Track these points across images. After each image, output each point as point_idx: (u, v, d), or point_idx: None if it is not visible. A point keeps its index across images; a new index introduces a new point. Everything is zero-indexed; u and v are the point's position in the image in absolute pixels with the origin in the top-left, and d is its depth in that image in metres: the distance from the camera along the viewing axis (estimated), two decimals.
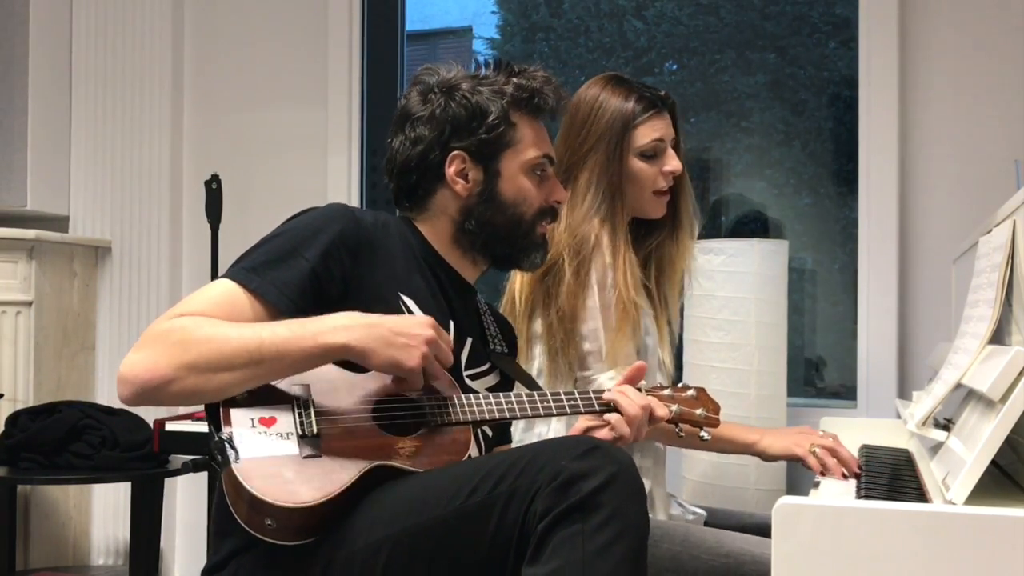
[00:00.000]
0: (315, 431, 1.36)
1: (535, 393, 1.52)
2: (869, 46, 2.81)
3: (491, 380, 1.66)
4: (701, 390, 1.66)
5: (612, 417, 1.52)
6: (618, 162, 1.87)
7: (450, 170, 1.57)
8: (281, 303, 1.39)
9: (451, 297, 1.61)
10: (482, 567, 1.29)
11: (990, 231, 1.58)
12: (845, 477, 1.62)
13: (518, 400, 1.50)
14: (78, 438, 2.76)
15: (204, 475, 2.91)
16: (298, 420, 1.37)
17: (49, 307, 3.17)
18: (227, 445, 1.32)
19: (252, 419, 1.36)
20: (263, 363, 1.33)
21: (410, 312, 1.51)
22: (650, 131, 1.89)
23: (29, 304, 3.10)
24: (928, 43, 2.78)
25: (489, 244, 1.61)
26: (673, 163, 1.90)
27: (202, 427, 2.63)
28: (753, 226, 3.20)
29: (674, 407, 1.60)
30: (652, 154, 1.89)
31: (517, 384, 1.77)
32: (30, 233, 3.09)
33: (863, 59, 2.83)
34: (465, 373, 1.60)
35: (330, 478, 1.33)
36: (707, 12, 3.26)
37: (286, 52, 3.37)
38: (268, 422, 1.36)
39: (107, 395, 3.33)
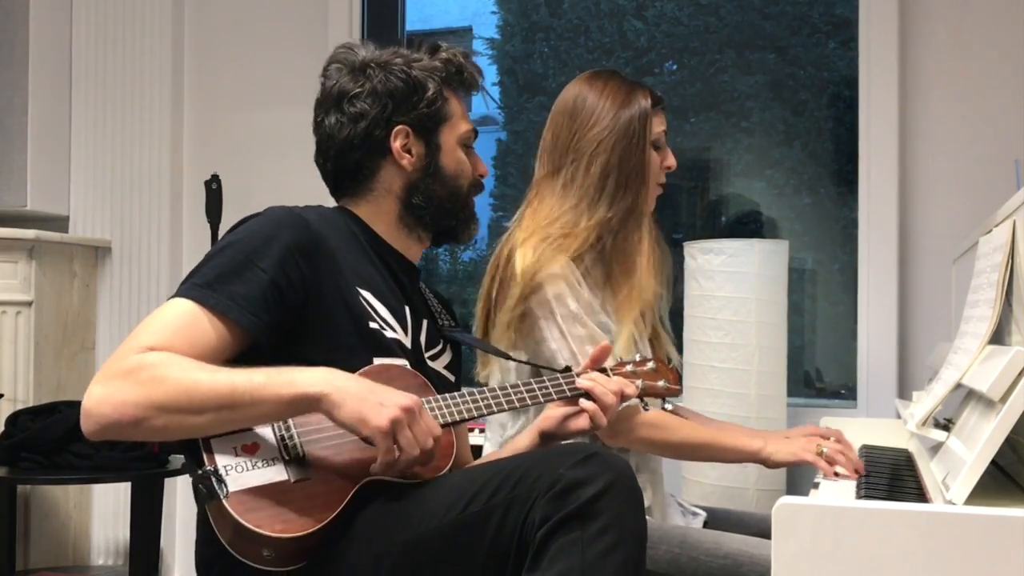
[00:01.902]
0: (301, 453, 1.34)
1: (508, 386, 1.51)
2: (869, 46, 2.81)
3: (447, 357, 1.66)
4: (660, 361, 1.67)
5: (588, 406, 1.52)
6: (643, 149, 1.86)
7: (396, 144, 1.57)
8: (244, 320, 1.35)
9: (402, 282, 1.60)
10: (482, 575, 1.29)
11: (990, 231, 1.58)
12: (858, 476, 1.62)
13: (492, 395, 1.48)
14: (78, 438, 2.76)
15: None
16: (281, 443, 1.34)
17: (49, 307, 3.17)
18: (213, 479, 1.28)
19: (235, 447, 1.32)
20: (236, 407, 1.28)
21: (371, 308, 1.49)
22: (659, 123, 1.90)
23: (29, 304, 3.10)
24: (928, 43, 2.78)
25: (435, 217, 1.61)
26: (670, 159, 1.91)
27: None
28: (753, 226, 3.20)
29: (638, 382, 1.60)
30: (659, 146, 1.90)
31: (504, 371, 1.78)
32: (30, 233, 3.09)
33: (863, 59, 2.83)
34: (426, 355, 1.59)
35: (324, 501, 1.31)
36: (707, 12, 3.26)
37: (286, 52, 3.37)
38: (251, 449, 1.33)
39: None
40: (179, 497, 3.36)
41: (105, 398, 1.28)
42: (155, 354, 1.30)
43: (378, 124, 1.56)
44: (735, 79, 3.21)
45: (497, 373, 1.85)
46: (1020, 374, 1.19)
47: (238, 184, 3.24)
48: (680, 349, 2.67)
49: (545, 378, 1.55)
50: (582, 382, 1.54)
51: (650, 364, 1.65)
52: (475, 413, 1.46)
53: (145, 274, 3.37)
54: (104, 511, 3.34)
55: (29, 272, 3.10)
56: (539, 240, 1.80)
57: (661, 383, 1.63)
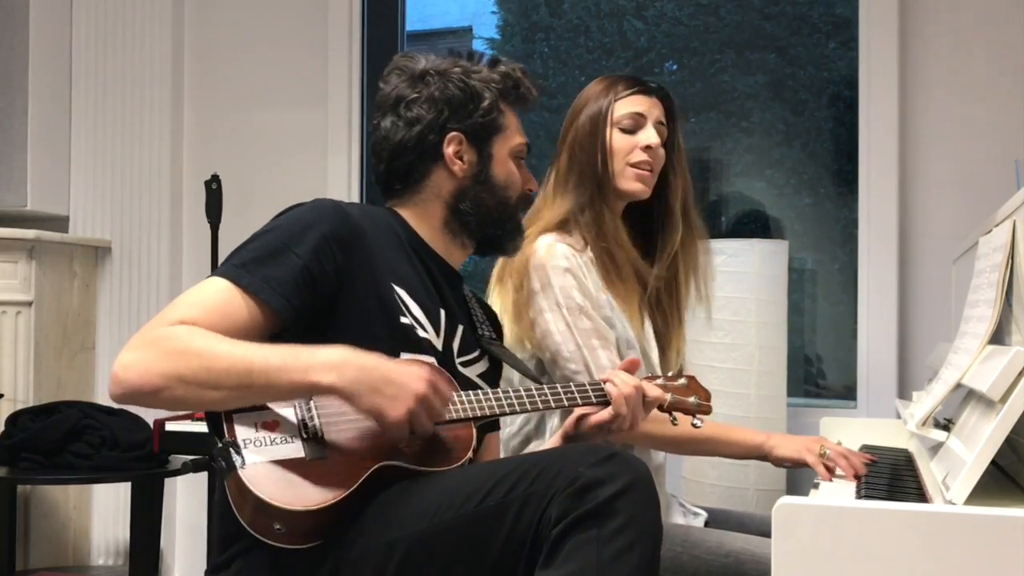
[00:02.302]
0: (319, 433, 1.36)
1: (533, 388, 1.52)
2: (869, 46, 2.82)
3: (482, 366, 1.67)
4: (692, 378, 1.67)
5: (610, 391, 1.54)
6: (602, 135, 1.88)
7: (448, 150, 1.59)
8: (275, 301, 1.38)
9: (440, 285, 1.61)
10: (494, 570, 1.29)
11: (990, 231, 1.58)
12: (857, 478, 1.62)
13: (516, 395, 1.50)
14: (78, 438, 2.76)
15: (204, 475, 2.91)
16: (301, 422, 1.37)
17: (49, 307, 3.17)
18: (231, 450, 1.31)
19: (255, 423, 1.35)
20: (251, 388, 1.31)
21: (404, 305, 1.50)
22: (629, 105, 1.89)
23: (29, 304, 3.10)
24: (928, 43, 2.78)
25: (481, 225, 1.63)
26: (649, 139, 1.88)
27: (202, 427, 2.63)
28: (753, 226, 3.20)
29: (668, 396, 1.61)
30: (631, 127, 1.89)
31: (509, 370, 1.79)
32: (30, 233, 3.09)
33: (863, 59, 2.83)
34: (457, 360, 1.60)
35: (338, 480, 1.33)
36: (707, 12, 3.26)
37: (286, 52, 3.37)
38: (271, 425, 1.36)
39: (107, 395, 3.32)
40: (179, 497, 3.36)
41: (131, 365, 1.32)
42: (182, 327, 1.34)
43: (432, 129, 1.59)
44: (735, 79, 3.21)
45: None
46: (1020, 374, 1.19)
47: (238, 184, 3.24)
48: None
49: (572, 384, 1.56)
50: (602, 376, 1.57)
51: (681, 380, 1.66)
52: (496, 411, 1.48)
53: (145, 274, 3.37)
54: (104, 511, 3.33)
55: (29, 272, 3.10)
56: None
57: (692, 399, 1.63)
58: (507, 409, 1.49)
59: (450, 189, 1.61)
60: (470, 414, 1.46)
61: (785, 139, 3.19)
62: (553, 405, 1.53)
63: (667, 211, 1.95)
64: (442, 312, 1.58)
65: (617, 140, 1.89)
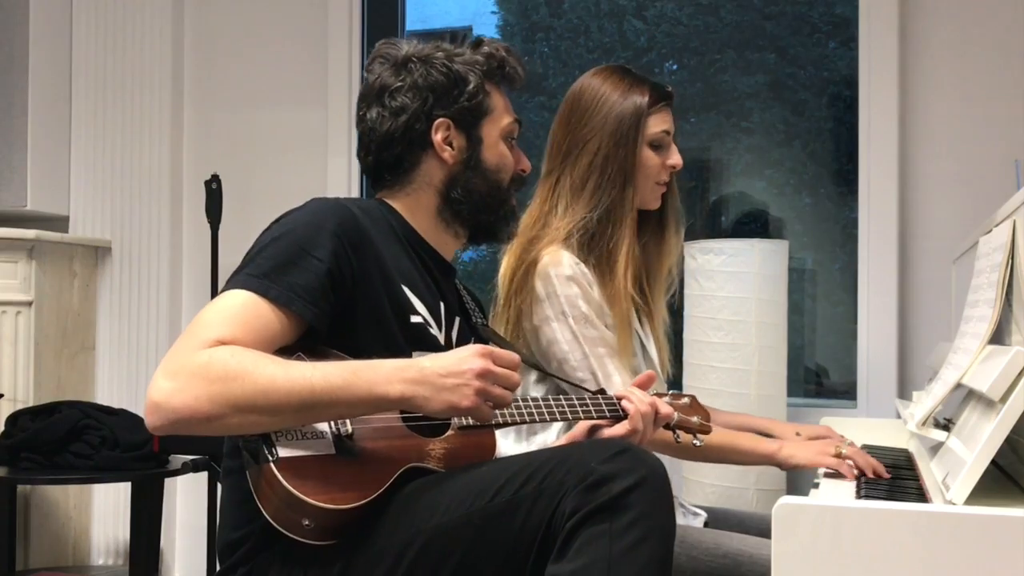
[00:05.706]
0: (349, 431, 1.35)
1: (551, 399, 1.52)
2: (869, 46, 2.82)
3: None
4: (693, 398, 1.70)
5: (629, 408, 1.54)
6: (632, 149, 1.86)
7: (437, 137, 1.57)
8: (307, 313, 1.35)
9: (437, 279, 1.60)
10: (506, 565, 1.29)
11: (990, 231, 1.58)
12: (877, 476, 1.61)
13: (536, 404, 1.50)
14: (78, 438, 2.76)
15: (204, 475, 2.91)
16: (332, 420, 1.36)
17: (49, 307, 3.17)
18: (263, 443, 1.29)
19: None
20: (314, 409, 1.28)
21: (412, 304, 1.50)
22: (660, 122, 1.89)
23: (29, 304, 3.10)
24: (928, 43, 2.78)
25: (474, 212, 1.60)
26: (675, 157, 1.90)
27: None
28: (753, 226, 3.20)
29: (675, 415, 1.62)
30: (659, 145, 1.89)
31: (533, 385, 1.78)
32: (30, 233, 3.09)
33: (863, 59, 2.83)
34: None
35: (369, 479, 1.33)
36: (707, 12, 3.26)
37: (286, 52, 3.38)
38: None
39: (107, 395, 3.32)
40: (179, 497, 3.36)
41: (174, 394, 1.24)
42: (224, 349, 1.28)
43: (419, 118, 1.56)
44: (735, 79, 3.21)
45: None
46: (1020, 374, 1.19)
47: (238, 184, 3.24)
48: (680, 349, 2.67)
49: (587, 396, 1.56)
50: (620, 393, 1.56)
51: (685, 399, 1.68)
52: (517, 419, 1.47)
53: (145, 274, 3.37)
54: (104, 511, 3.33)
55: (29, 272, 3.10)
56: (525, 241, 1.84)
57: (695, 419, 1.66)
58: (527, 418, 1.48)
59: (441, 177, 1.59)
60: (493, 420, 1.44)
61: (785, 139, 3.19)
62: (570, 417, 1.53)
63: (665, 213, 1.96)
64: (442, 305, 1.58)
65: (649, 159, 1.88)
